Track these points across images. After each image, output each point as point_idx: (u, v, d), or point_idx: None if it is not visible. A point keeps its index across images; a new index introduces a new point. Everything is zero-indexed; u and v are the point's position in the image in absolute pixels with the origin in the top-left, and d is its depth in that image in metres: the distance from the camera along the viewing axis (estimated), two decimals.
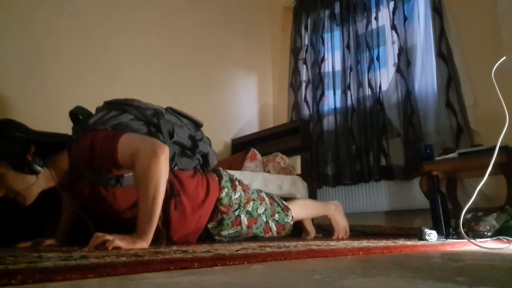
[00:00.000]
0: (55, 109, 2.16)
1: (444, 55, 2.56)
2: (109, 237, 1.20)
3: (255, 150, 2.90)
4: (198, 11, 3.34)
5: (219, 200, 1.73)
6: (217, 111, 3.34)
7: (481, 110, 2.43)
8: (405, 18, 2.81)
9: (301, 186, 2.75)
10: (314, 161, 3.04)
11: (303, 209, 2.04)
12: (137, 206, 1.34)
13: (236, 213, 1.76)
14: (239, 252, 1.02)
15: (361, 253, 1.08)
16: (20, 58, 2.33)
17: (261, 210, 1.84)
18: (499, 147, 1.33)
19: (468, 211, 1.42)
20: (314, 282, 0.60)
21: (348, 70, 3.08)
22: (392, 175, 2.71)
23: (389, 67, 2.93)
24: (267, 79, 3.84)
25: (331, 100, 3.17)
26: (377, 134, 2.80)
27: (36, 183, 1.39)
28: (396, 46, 2.84)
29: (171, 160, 1.63)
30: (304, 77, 3.42)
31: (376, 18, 3.00)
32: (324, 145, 3.07)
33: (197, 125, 1.84)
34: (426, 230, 1.63)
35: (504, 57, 1.52)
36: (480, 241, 1.35)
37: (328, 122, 3.14)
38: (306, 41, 3.46)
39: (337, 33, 3.28)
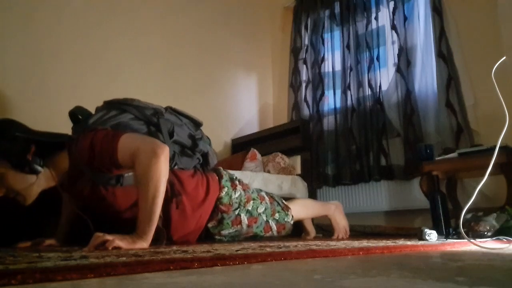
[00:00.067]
0: (55, 109, 2.16)
1: (444, 55, 2.56)
2: (109, 237, 1.20)
3: (255, 150, 2.90)
4: (198, 11, 3.34)
5: (219, 199, 1.73)
6: (217, 111, 3.34)
7: (481, 110, 2.43)
8: (405, 18, 2.81)
9: (301, 186, 2.75)
10: (314, 161, 3.04)
11: (303, 209, 2.04)
12: (137, 206, 1.34)
13: (236, 212, 1.76)
14: (239, 252, 1.02)
15: (361, 253, 1.08)
16: (20, 58, 2.33)
17: (261, 209, 1.84)
18: (499, 147, 1.33)
19: (468, 211, 1.42)
20: (314, 282, 0.60)
21: (348, 70, 3.08)
22: (392, 175, 2.71)
23: (389, 67, 2.93)
24: (267, 79, 3.84)
25: (331, 100, 3.17)
26: (377, 134, 2.80)
27: (36, 182, 1.39)
28: (396, 46, 2.85)
29: (171, 159, 1.63)
30: (304, 77, 3.42)
31: (376, 18, 3.00)
32: (324, 145, 3.07)
33: (197, 124, 1.84)
34: (426, 230, 1.63)
35: (504, 57, 1.52)
36: (480, 241, 1.35)
37: (328, 122, 3.13)
38: (306, 41, 3.46)
39: (337, 33, 3.28)
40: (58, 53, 2.49)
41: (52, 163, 1.43)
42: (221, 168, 1.90)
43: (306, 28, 3.48)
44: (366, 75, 2.97)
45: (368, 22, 3.04)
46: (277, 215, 1.89)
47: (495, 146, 1.32)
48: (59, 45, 2.50)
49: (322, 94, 3.22)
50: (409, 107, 2.67)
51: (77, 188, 1.48)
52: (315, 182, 2.99)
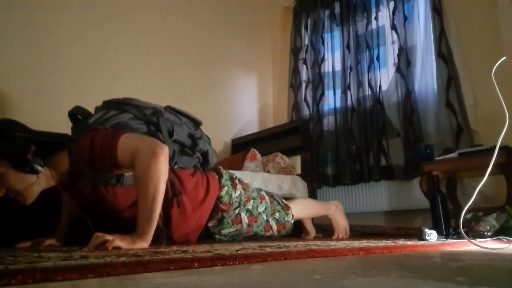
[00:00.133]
0: (55, 109, 2.16)
1: (444, 55, 2.56)
2: (109, 237, 1.20)
3: (255, 150, 2.90)
4: (198, 11, 3.34)
5: (219, 198, 1.73)
6: (217, 111, 3.34)
7: (481, 110, 2.43)
8: (405, 18, 2.81)
9: (301, 186, 2.75)
10: (314, 161, 3.04)
11: (303, 208, 2.04)
12: (137, 205, 1.34)
13: (237, 211, 1.76)
14: (239, 252, 1.02)
15: (361, 253, 1.08)
16: (20, 58, 2.33)
17: (261, 208, 1.84)
18: (499, 147, 1.33)
19: (468, 211, 1.42)
20: (314, 282, 0.60)
21: (348, 70, 3.08)
22: (392, 175, 2.71)
23: (389, 67, 2.93)
24: (267, 79, 3.84)
25: (331, 100, 3.17)
26: (377, 134, 2.80)
27: (37, 182, 1.39)
28: (396, 46, 2.85)
29: (171, 158, 1.63)
30: (304, 77, 3.42)
31: (376, 18, 3.00)
32: (324, 145, 3.07)
33: (197, 124, 1.84)
34: (426, 230, 1.63)
35: (504, 57, 1.52)
36: (480, 241, 1.35)
37: (328, 122, 3.13)
38: (306, 41, 3.46)
39: (337, 33, 3.28)
40: (58, 53, 2.49)
41: (52, 163, 1.43)
42: (221, 167, 1.90)
43: (306, 28, 3.48)
44: (366, 75, 2.97)
45: (368, 22, 3.04)
46: (277, 214, 1.89)
47: (495, 146, 1.32)
48: (59, 45, 2.50)
49: (322, 94, 3.22)
50: (409, 107, 2.67)
51: (77, 188, 1.48)
52: (315, 182, 2.99)
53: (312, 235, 2.20)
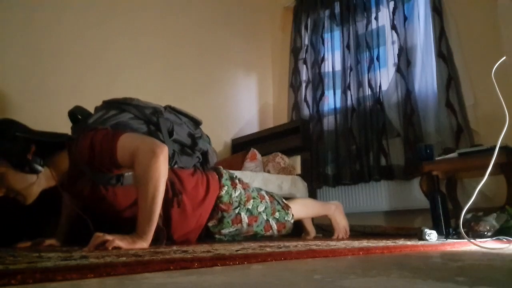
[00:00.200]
0: (55, 109, 2.16)
1: (444, 55, 2.56)
2: (109, 237, 1.20)
3: (255, 150, 2.90)
4: (198, 11, 3.34)
5: (219, 198, 1.73)
6: (217, 111, 3.34)
7: (481, 110, 2.43)
8: (405, 18, 2.81)
9: (301, 186, 2.75)
10: (314, 161, 3.04)
11: (303, 208, 2.04)
12: (137, 205, 1.34)
13: (237, 211, 1.76)
14: (239, 252, 1.02)
15: (361, 253, 1.08)
16: (20, 58, 2.33)
17: (261, 208, 1.84)
18: (499, 147, 1.33)
19: (468, 211, 1.42)
20: (314, 282, 0.60)
21: (348, 70, 3.08)
22: (392, 175, 2.71)
23: (389, 67, 2.93)
24: (267, 79, 3.84)
25: (331, 100, 3.17)
26: (377, 134, 2.80)
27: (37, 182, 1.39)
28: (396, 46, 2.85)
29: (171, 158, 1.63)
30: (304, 77, 3.42)
31: (376, 18, 3.00)
32: (324, 145, 3.07)
33: (196, 123, 1.84)
34: (426, 230, 1.63)
35: (504, 57, 1.52)
36: (480, 241, 1.35)
37: (328, 122, 3.13)
38: (306, 41, 3.46)
39: (337, 33, 3.28)
40: (58, 53, 2.49)
41: (52, 162, 1.43)
42: (221, 167, 1.90)
43: (306, 28, 3.48)
44: (366, 75, 2.97)
45: (368, 22, 3.04)
46: (277, 214, 1.89)
47: (495, 146, 1.32)
48: (59, 45, 2.50)
49: (322, 94, 3.22)
50: (409, 107, 2.67)
51: (77, 188, 1.48)
52: (315, 182, 2.99)
53: (312, 235, 2.20)
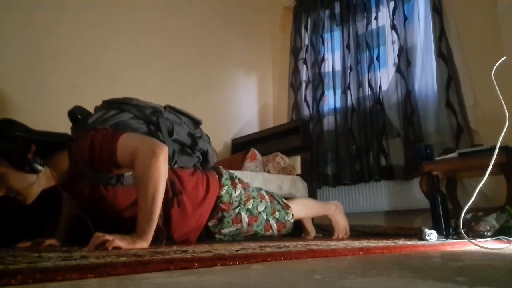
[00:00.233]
0: (55, 109, 2.16)
1: (444, 55, 2.56)
2: (109, 237, 1.19)
3: (255, 150, 2.90)
4: (198, 11, 3.34)
5: (219, 197, 1.73)
6: (217, 111, 3.34)
7: (481, 110, 2.43)
8: (405, 18, 2.81)
9: (301, 186, 2.75)
10: (314, 161, 3.04)
11: (303, 208, 2.04)
12: (137, 205, 1.34)
13: (237, 210, 1.76)
14: (239, 252, 1.02)
15: (361, 253, 1.08)
16: (20, 58, 2.33)
17: (261, 208, 1.85)
18: (499, 147, 1.33)
19: (468, 211, 1.42)
20: (314, 282, 0.60)
21: (348, 70, 3.08)
22: (392, 175, 2.71)
23: (389, 67, 2.93)
24: (267, 79, 3.84)
25: (331, 100, 3.17)
26: (377, 134, 2.80)
27: (37, 182, 1.39)
28: (396, 46, 2.85)
29: (171, 158, 1.63)
30: (304, 77, 3.42)
31: (376, 18, 3.00)
32: (324, 145, 3.07)
33: (196, 123, 1.84)
34: (426, 230, 1.63)
35: (504, 57, 1.52)
36: (480, 241, 1.35)
37: (328, 122, 3.14)
38: (306, 41, 3.46)
39: (337, 33, 3.28)
40: (58, 53, 2.49)
41: (52, 162, 1.43)
42: (221, 166, 1.90)
43: (306, 28, 3.48)
44: (366, 75, 2.97)
45: (368, 22, 3.04)
46: (277, 213, 1.89)
47: (495, 146, 1.32)
48: (59, 45, 2.50)
49: (322, 94, 3.22)
50: (409, 107, 2.67)
51: (77, 188, 1.48)
52: (315, 182, 3.00)
53: (312, 235, 2.20)
